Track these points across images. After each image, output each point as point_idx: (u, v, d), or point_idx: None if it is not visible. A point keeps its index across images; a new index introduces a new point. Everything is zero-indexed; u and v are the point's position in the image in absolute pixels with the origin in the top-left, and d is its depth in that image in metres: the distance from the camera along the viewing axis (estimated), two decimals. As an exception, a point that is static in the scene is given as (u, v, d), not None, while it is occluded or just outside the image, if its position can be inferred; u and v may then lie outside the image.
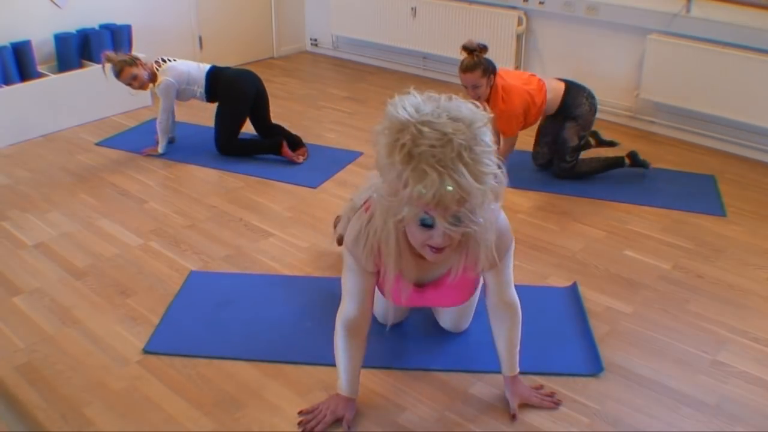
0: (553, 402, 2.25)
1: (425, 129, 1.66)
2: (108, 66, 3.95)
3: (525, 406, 2.23)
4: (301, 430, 2.15)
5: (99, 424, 2.17)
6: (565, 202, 3.59)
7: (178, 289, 2.83)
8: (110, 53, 3.99)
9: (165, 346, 2.49)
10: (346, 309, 2.12)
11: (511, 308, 2.17)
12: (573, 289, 2.86)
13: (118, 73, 3.94)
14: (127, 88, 4.01)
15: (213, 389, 2.31)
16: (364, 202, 2.08)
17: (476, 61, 3.45)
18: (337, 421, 2.15)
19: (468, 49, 3.48)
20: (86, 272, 2.96)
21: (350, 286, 2.10)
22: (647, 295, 2.83)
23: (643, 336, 2.58)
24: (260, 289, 2.84)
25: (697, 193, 3.70)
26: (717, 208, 3.53)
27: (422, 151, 1.65)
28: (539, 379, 2.35)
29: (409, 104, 1.73)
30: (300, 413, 2.20)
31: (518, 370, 2.22)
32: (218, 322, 2.63)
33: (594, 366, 2.43)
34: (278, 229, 3.31)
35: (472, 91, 3.49)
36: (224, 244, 3.18)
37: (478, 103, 1.77)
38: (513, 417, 2.19)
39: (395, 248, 1.91)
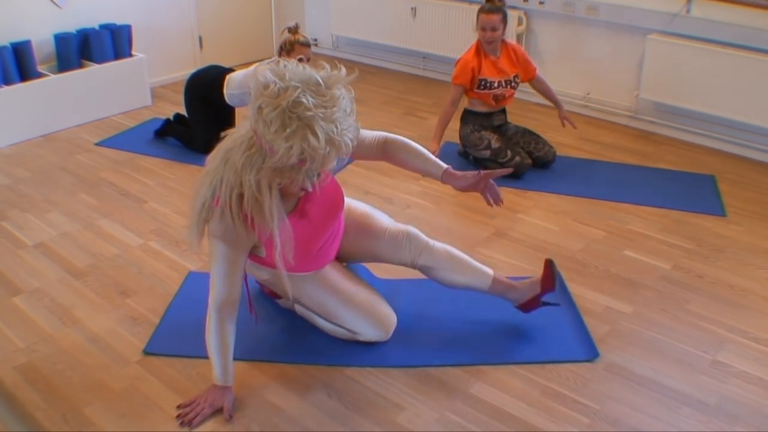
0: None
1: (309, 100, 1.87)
2: (284, 35, 3.65)
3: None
4: (179, 422, 2.16)
5: (99, 424, 2.17)
6: (565, 202, 3.59)
7: (177, 290, 2.83)
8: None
9: (165, 348, 2.49)
10: (219, 294, 2.16)
11: (395, 136, 2.40)
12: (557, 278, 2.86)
13: (308, 45, 3.71)
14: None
15: (213, 389, 2.31)
16: (213, 199, 2.08)
17: (500, 5, 3.73)
18: (218, 412, 2.19)
19: None
20: (86, 272, 2.96)
21: (220, 270, 2.14)
22: (647, 295, 2.83)
23: (643, 336, 2.58)
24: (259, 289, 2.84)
25: (697, 193, 3.70)
26: (717, 208, 3.53)
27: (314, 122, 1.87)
28: (538, 368, 2.35)
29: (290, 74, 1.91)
30: (178, 407, 2.22)
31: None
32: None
33: (589, 352, 2.46)
34: (278, 229, 3.30)
35: (490, 33, 3.73)
36: (224, 244, 3.18)
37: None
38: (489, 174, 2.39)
39: (277, 206, 2.03)
